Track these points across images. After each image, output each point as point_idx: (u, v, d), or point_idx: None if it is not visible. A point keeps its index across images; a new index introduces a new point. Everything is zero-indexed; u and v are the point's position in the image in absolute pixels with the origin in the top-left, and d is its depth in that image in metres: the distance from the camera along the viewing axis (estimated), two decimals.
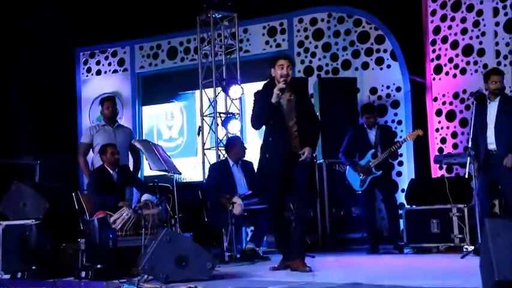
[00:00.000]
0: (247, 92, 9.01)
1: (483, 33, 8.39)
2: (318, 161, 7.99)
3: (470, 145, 6.01)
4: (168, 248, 4.67)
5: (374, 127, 7.14)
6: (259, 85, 9.42)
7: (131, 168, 6.88)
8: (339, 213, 7.75)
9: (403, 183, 8.34)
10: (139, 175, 7.97)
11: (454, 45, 8.62)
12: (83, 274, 4.75)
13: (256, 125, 5.45)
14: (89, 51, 10.99)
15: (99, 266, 4.75)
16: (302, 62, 9.58)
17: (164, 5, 9.75)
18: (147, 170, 7.85)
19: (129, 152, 7.00)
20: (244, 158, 7.06)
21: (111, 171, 6.30)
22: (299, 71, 9.54)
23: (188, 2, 9.04)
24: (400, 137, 8.15)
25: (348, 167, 7.13)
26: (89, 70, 10.98)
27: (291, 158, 5.20)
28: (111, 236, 4.92)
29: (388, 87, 9.01)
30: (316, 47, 9.49)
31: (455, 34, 8.62)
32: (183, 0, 9.27)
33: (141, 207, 5.56)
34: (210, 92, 8.87)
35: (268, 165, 5.27)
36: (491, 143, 5.94)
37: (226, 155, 7.41)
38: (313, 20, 9.51)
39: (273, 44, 9.78)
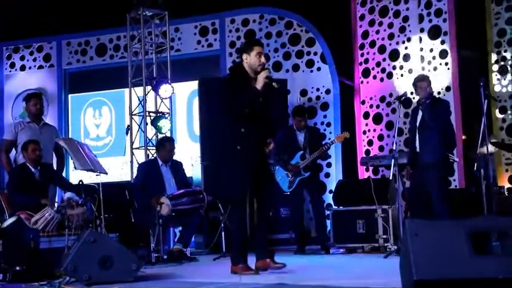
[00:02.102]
0: (177, 91, 8.94)
1: (409, 39, 8.64)
2: None
3: (395, 148, 6.17)
4: (92, 248, 4.56)
5: (303, 129, 7.22)
6: (190, 84, 9.48)
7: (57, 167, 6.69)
8: (268, 214, 7.76)
9: (331, 184, 8.47)
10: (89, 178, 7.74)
11: (382, 49, 8.84)
12: (1, 276, 4.57)
13: (238, 112, 4.80)
14: (12, 46, 10.61)
15: (17, 268, 4.58)
16: (233, 62, 9.57)
17: (94, 1, 9.53)
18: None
19: (53, 151, 6.81)
20: (174, 158, 6.97)
21: (33, 169, 6.10)
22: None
23: None
24: (329, 138, 8.28)
25: (277, 167, 7.17)
26: (12, 65, 10.60)
27: (263, 150, 4.93)
28: (31, 236, 4.76)
29: (318, 89, 9.14)
30: None
31: (383, 39, 8.84)
32: None
33: (65, 207, 5.40)
34: (139, 90, 8.74)
35: (242, 156, 4.79)
36: (419, 145, 6.09)
37: (155, 155, 7.30)
38: (245, 20, 9.54)
39: (205, 43, 9.74)
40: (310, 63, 9.21)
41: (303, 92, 9.18)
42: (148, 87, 8.61)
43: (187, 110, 9.75)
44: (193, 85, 9.15)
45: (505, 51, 8.29)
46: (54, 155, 6.87)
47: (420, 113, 6.13)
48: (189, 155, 9.17)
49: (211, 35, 9.70)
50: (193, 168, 8.38)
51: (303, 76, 9.22)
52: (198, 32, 9.76)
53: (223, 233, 6.46)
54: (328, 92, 9.08)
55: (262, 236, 5.02)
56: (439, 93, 8.36)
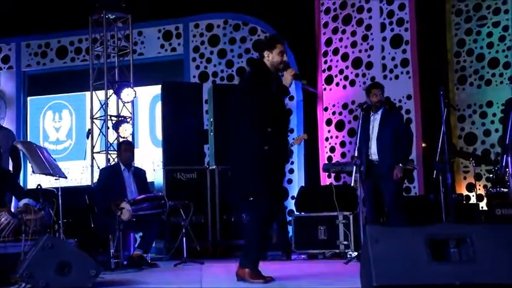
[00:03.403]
0: (140, 95, 8.86)
1: (371, 47, 8.75)
2: (210, 167, 7.98)
3: (356, 154, 6.21)
4: (49, 254, 4.45)
5: None
6: (153, 89, 9.41)
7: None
8: (230, 219, 7.76)
9: (293, 190, 8.50)
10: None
11: (345, 57, 8.92)
12: None
13: (267, 111, 4.53)
14: None
15: None
16: (197, 67, 9.55)
17: (55, 2, 9.38)
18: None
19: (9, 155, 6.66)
20: (136, 164, 6.90)
21: None
22: (194, 76, 9.51)
23: (81, 1, 8.76)
24: (291, 144, 8.30)
25: None
26: None
27: (287, 149, 4.77)
28: None
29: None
30: (211, 53, 9.50)
31: (346, 47, 8.93)
32: None
33: (22, 212, 5.27)
34: (101, 94, 8.63)
35: (270, 156, 4.50)
36: (374, 154, 6.16)
37: (116, 159, 7.21)
38: (210, 26, 9.52)
39: (168, 48, 9.69)
40: None
41: None
42: (110, 91, 8.51)
43: (149, 114, 9.67)
44: (156, 89, 9.08)
45: (464, 61, 8.46)
46: (10, 159, 6.71)
47: (375, 121, 6.20)
48: (151, 159, 9.10)
49: (175, 40, 9.65)
50: (155, 173, 8.31)
51: None
52: (162, 36, 9.70)
53: (184, 238, 6.41)
54: (291, 98, 9.12)
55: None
56: (400, 101, 8.49)
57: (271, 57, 4.60)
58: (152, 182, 7.87)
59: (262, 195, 4.54)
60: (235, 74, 9.39)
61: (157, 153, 8.75)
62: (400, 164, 6.00)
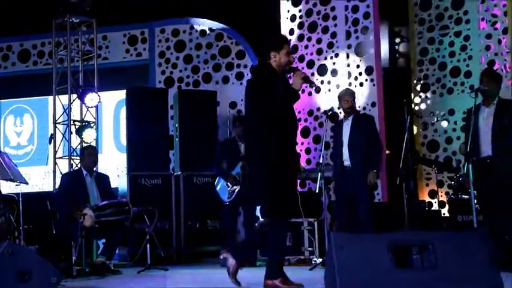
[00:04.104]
0: (104, 100, 8.75)
1: (337, 55, 8.82)
2: (175, 173, 7.93)
3: (321, 161, 6.23)
4: (8, 262, 4.35)
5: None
6: (118, 93, 9.31)
7: None
8: (195, 226, 7.71)
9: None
10: None
11: (310, 64, 8.98)
12: None
13: (278, 114, 4.43)
14: None
15: None
16: (163, 72, 9.49)
17: (17, 5, 9.22)
18: None
19: None
20: (99, 170, 6.80)
21: None
22: (160, 82, 9.46)
23: (44, 4, 8.63)
24: None
25: (218, 178, 7.12)
26: None
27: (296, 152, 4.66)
28: None
29: None
30: (177, 58, 9.46)
31: (311, 54, 8.99)
32: (38, 1, 8.83)
33: None
34: (64, 98, 8.50)
35: (283, 160, 4.39)
36: (346, 160, 6.18)
37: (79, 165, 7.10)
38: (175, 31, 9.48)
39: (134, 52, 9.61)
40: (240, 76, 9.25)
41: (233, 104, 9.20)
42: (74, 96, 8.39)
43: (114, 119, 9.56)
44: (121, 94, 8.98)
45: (427, 69, 8.60)
46: None
47: (346, 127, 6.23)
48: (115, 165, 8.99)
49: (141, 44, 9.58)
50: (119, 179, 8.21)
51: (232, 88, 9.24)
52: (127, 41, 9.62)
53: (148, 245, 6.34)
54: None
55: None
56: (364, 108, 8.57)
57: (278, 58, 4.46)
58: (116, 188, 7.78)
59: (277, 200, 4.42)
60: (201, 79, 9.37)
61: (122, 159, 8.65)
62: (374, 170, 6.03)
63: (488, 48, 8.22)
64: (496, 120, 5.30)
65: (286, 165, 4.40)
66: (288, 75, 4.65)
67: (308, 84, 4.62)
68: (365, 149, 6.07)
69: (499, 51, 8.11)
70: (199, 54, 9.37)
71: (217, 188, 6.99)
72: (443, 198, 8.00)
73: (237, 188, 6.89)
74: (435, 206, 7.94)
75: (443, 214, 7.52)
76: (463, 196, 6.59)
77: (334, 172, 6.33)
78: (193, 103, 8.26)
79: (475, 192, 5.15)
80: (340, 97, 6.35)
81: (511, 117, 5.31)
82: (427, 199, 8.25)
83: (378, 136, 6.45)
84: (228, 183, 6.96)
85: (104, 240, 6.63)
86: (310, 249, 6.86)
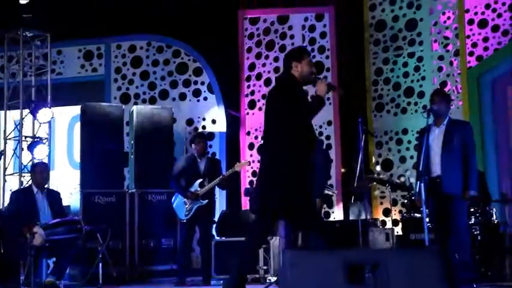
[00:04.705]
0: (58, 116, 8.59)
1: None
2: (129, 191, 7.81)
3: None
4: None
5: (204, 157, 7.16)
6: (72, 109, 9.15)
7: None
8: (149, 244, 7.60)
9: (215, 215, 8.42)
10: None
11: (267, 82, 9.02)
12: None
13: (307, 122, 4.47)
14: None
15: None
16: (119, 88, 9.39)
17: None
18: None
19: None
20: (51, 187, 6.65)
21: None
22: (115, 98, 9.35)
23: None
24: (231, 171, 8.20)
25: (175, 195, 7.05)
26: None
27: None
28: None
29: (204, 119, 9.14)
30: (134, 74, 9.38)
31: (269, 72, 9.04)
32: None
33: None
34: (16, 113, 8.31)
35: (309, 169, 4.45)
36: None
37: (30, 182, 6.93)
38: (132, 47, 9.41)
39: (89, 68, 9.49)
40: (197, 93, 9.22)
41: (189, 121, 9.15)
42: (26, 111, 8.21)
43: (68, 135, 9.39)
44: (75, 110, 8.84)
45: (382, 89, 8.73)
46: None
47: None
48: (68, 182, 8.81)
49: (96, 60, 9.47)
50: (71, 196, 8.04)
51: (189, 105, 9.20)
52: (82, 56, 9.49)
53: (100, 264, 6.20)
54: (214, 122, 9.11)
55: None
56: (320, 127, 8.65)
57: (299, 68, 4.52)
58: (68, 206, 7.61)
59: (307, 209, 4.41)
60: (157, 96, 9.29)
61: (75, 176, 8.48)
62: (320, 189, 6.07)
63: (440, 69, 8.40)
64: (446, 140, 5.40)
65: (309, 176, 4.42)
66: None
67: (333, 90, 4.67)
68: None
69: (451, 72, 8.30)
70: (156, 70, 9.30)
71: (174, 205, 6.92)
72: (397, 216, 8.08)
73: (195, 206, 6.84)
74: (389, 225, 8.02)
75: (397, 232, 7.59)
76: (416, 215, 6.67)
77: None
78: (149, 120, 8.17)
79: (426, 210, 5.21)
80: None
81: (460, 138, 5.42)
82: (381, 217, 8.33)
83: (326, 155, 6.52)
84: (186, 201, 6.90)
85: (54, 260, 6.47)
86: (265, 267, 6.83)
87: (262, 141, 4.62)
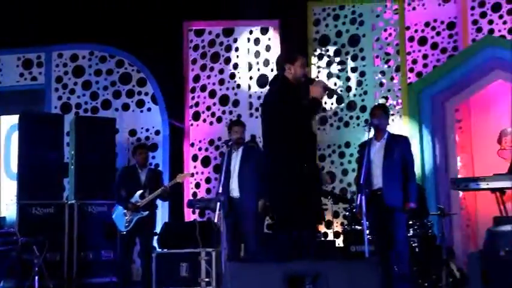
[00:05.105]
0: None
1: (238, 86, 8.92)
2: (69, 202, 7.63)
3: (220, 191, 6.21)
4: None
5: (145, 168, 7.09)
6: (10, 118, 8.88)
7: None
8: (88, 257, 7.44)
9: (157, 226, 8.31)
10: None
11: (212, 94, 9.01)
12: None
13: (305, 126, 4.44)
14: None
15: None
16: (59, 98, 9.18)
17: None
18: None
19: None
20: None
21: None
22: (56, 107, 9.14)
23: None
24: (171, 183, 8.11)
25: (115, 207, 6.93)
26: None
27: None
28: None
29: (147, 130, 9.04)
30: (75, 83, 9.19)
31: (214, 84, 9.03)
32: None
33: None
34: None
35: (310, 175, 4.36)
36: (235, 190, 6.22)
37: None
38: (74, 56, 9.23)
39: (28, 76, 9.25)
40: (140, 103, 9.11)
41: (132, 132, 9.03)
42: None
43: (5, 145, 9.11)
44: (13, 119, 8.59)
45: (325, 103, 8.84)
46: None
47: (236, 158, 6.27)
48: (5, 193, 8.54)
49: (36, 68, 9.23)
50: (7, 208, 7.80)
51: (132, 116, 9.08)
52: (21, 65, 9.25)
53: (37, 277, 6.03)
54: (157, 133, 9.02)
55: None
56: None
57: (293, 70, 4.47)
58: (4, 217, 7.38)
59: (303, 218, 4.35)
60: (99, 106, 9.13)
61: (12, 186, 8.22)
62: (263, 200, 6.08)
63: (382, 84, 8.58)
64: (386, 153, 5.51)
65: (311, 182, 4.34)
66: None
67: (329, 92, 4.64)
68: (254, 180, 6.14)
69: (392, 87, 8.48)
70: (99, 80, 9.15)
71: (113, 216, 6.80)
72: (339, 228, 8.17)
73: (135, 217, 6.74)
74: (330, 237, 8.10)
75: (338, 244, 7.67)
76: (357, 227, 6.76)
77: (224, 205, 6.28)
78: (91, 130, 8.05)
79: (367, 223, 5.29)
80: (229, 128, 6.44)
81: (399, 152, 5.55)
82: (323, 229, 8.40)
83: None
84: (126, 212, 6.79)
85: None
86: (207, 279, 6.77)
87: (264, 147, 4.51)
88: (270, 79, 8.82)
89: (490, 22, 8.27)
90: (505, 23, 8.20)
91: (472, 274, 5.00)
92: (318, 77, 8.82)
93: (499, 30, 8.21)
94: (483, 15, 8.33)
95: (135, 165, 7.12)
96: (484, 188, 5.55)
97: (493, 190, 5.53)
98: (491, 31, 8.24)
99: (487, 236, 5.08)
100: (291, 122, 4.31)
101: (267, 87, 4.72)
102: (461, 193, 7.88)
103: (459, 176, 7.74)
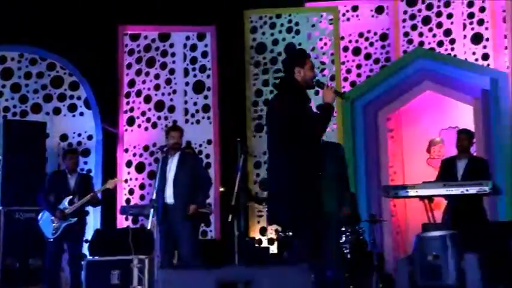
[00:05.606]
0: None
1: (174, 91, 8.86)
2: None
3: (154, 197, 6.14)
4: None
5: (75, 173, 6.92)
6: None
7: None
8: (14, 265, 7.19)
9: (88, 233, 8.12)
10: None
11: (147, 99, 8.91)
12: None
13: (319, 131, 4.40)
14: None
15: None
16: None
17: None
18: None
19: None
20: None
21: None
22: None
23: None
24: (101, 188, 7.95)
25: (42, 212, 6.73)
26: None
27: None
28: None
29: (79, 134, 8.83)
30: (3, 86, 8.86)
31: (149, 89, 8.93)
32: None
33: None
34: None
35: (318, 181, 4.36)
36: (169, 197, 6.17)
37: None
38: (3, 58, 8.89)
39: None
40: (72, 108, 8.88)
41: (64, 137, 8.79)
42: None
43: None
44: None
45: (261, 110, 8.89)
46: None
47: (172, 164, 6.22)
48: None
49: None
50: None
51: (64, 120, 8.83)
52: None
53: None
54: (90, 138, 8.82)
55: None
56: (200, 145, 8.66)
57: (302, 73, 4.40)
58: None
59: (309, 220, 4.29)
60: (29, 110, 8.84)
61: None
62: (195, 204, 6.07)
63: (317, 93, 8.69)
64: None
65: (317, 184, 4.33)
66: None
67: (340, 97, 4.58)
68: (189, 187, 6.12)
69: None
70: (29, 83, 8.86)
71: (40, 223, 6.62)
72: (273, 235, 8.21)
73: (63, 224, 6.58)
74: (265, 243, 8.13)
75: (272, 251, 7.70)
76: (290, 233, 6.80)
77: (157, 212, 6.21)
78: (20, 134, 7.82)
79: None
80: (167, 133, 6.40)
81: (334, 159, 5.62)
82: (258, 236, 8.42)
83: (205, 173, 6.54)
84: (53, 218, 6.62)
85: None
86: (139, 287, 6.66)
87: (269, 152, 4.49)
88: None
89: (421, 34, 8.55)
90: (434, 35, 8.49)
91: (400, 279, 5.13)
92: (255, 84, 8.89)
93: (429, 43, 8.50)
94: (414, 27, 8.60)
95: (65, 170, 6.98)
96: (413, 195, 5.68)
97: (422, 197, 5.66)
98: (421, 43, 8.51)
99: (416, 241, 5.21)
100: (308, 127, 4.29)
101: (275, 91, 4.56)
102: (392, 200, 8.08)
103: (390, 184, 7.93)
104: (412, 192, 5.63)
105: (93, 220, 8.46)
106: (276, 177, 4.35)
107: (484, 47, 8.18)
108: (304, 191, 4.24)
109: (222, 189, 8.79)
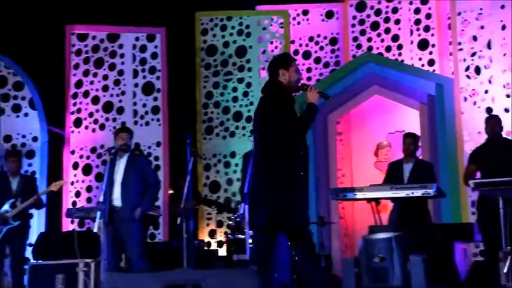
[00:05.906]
0: None
1: (123, 92, 8.74)
2: None
3: (101, 200, 6.04)
4: None
5: (17, 175, 6.74)
6: None
7: None
8: None
9: (32, 237, 7.92)
10: None
11: (95, 100, 8.76)
12: None
13: (304, 132, 4.43)
14: None
15: None
16: None
17: None
18: None
19: None
20: None
21: None
22: None
23: None
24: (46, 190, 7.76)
25: None
26: None
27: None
28: None
29: (24, 136, 8.61)
30: None
31: (97, 90, 8.79)
32: None
33: None
34: None
35: (305, 181, 4.40)
36: (117, 199, 6.07)
37: None
38: None
39: None
40: (17, 108, 8.65)
41: (7, 138, 8.56)
42: None
43: None
44: None
45: (212, 112, 8.86)
46: None
47: (120, 165, 6.14)
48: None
49: None
50: None
51: (8, 121, 8.60)
52: None
53: None
54: (35, 139, 8.61)
55: None
56: (149, 147, 8.57)
57: (287, 76, 4.43)
58: None
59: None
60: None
61: None
62: (141, 208, 6.00)
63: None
64: None
65: (306, 187, 4.41)
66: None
67: (324, 98, 4.59)
68: (137, 189, 6.04)
69: None
70: None
71: None
72: (222, 237, 8.19)
73: (4, 228, 6.40)
74: (214, 246, 8.10)
75: (221, 253, 7.68)
76: (240, 236, 6.79)
77: (104, 214, 6.11)
78: None
79: (250, 232, 5.33)
80: (116, 134, 6.32)
81: None
82: (207, 239, 8.39)
83: (154, 175, 6.48)
84: None
85: None
86: None
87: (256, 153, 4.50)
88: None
89: (369, 39, 8.69)
90: (382, 41, 8.64)
91: (347, 279, 5.18)
92: (205, 86, 8.86)
93: (377, 48, 8.64)
94: (363, 32, 8.74)
95: (6, 172, 6.80)
96: (360, 198, 5.75)
97: (369, 200, 5.75)
98: (370, 48, 8.65)
99: (362, 243, 5.28)
100: (293, 128, 4.34)
101: (261, 94, 4.58)
102: (340, 203, 8.18)
103: (339, 186, 8.02)
104: (359, 195, 5.70)
105: (38, 223, 8.26)
106: (262, 177, 4.41)
107: (430, 52, 8.37)
108: (287, 192, 4.30)
109: (171, 191, 8.71)
